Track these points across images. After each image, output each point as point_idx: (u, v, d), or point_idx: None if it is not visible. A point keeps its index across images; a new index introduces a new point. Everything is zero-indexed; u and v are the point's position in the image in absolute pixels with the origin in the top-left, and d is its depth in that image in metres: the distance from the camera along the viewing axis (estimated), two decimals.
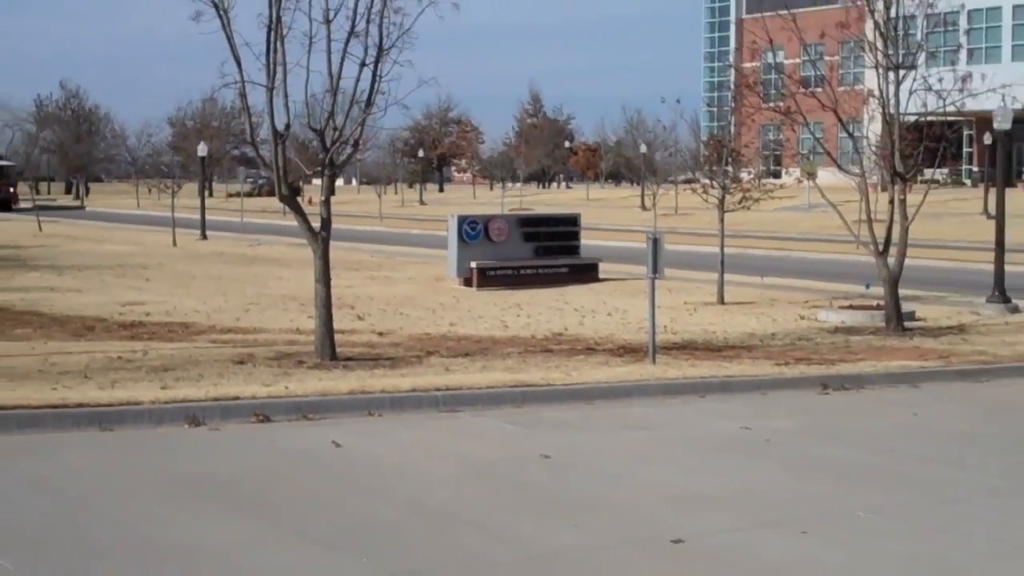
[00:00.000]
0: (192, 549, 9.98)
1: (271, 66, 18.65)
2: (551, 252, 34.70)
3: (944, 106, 24.95)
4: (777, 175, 63.37)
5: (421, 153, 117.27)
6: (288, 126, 19.42)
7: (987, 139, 55.50)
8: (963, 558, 10.11)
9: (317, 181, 20.52)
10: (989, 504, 11.93)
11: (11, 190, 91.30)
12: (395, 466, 13.04)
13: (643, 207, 78.28)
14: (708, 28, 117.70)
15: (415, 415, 15.52)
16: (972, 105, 25.70)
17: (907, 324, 24.44)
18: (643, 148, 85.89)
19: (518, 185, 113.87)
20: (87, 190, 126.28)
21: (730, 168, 31.67)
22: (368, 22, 18.75)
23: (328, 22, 18.60)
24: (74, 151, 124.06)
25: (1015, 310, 27.12)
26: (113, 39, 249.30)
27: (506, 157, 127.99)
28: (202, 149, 63.92)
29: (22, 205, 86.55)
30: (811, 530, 10.75)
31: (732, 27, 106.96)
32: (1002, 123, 27.71)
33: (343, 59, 18.88)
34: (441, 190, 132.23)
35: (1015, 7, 78.02)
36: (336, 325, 19.75)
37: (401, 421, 15.21)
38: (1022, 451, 14.48)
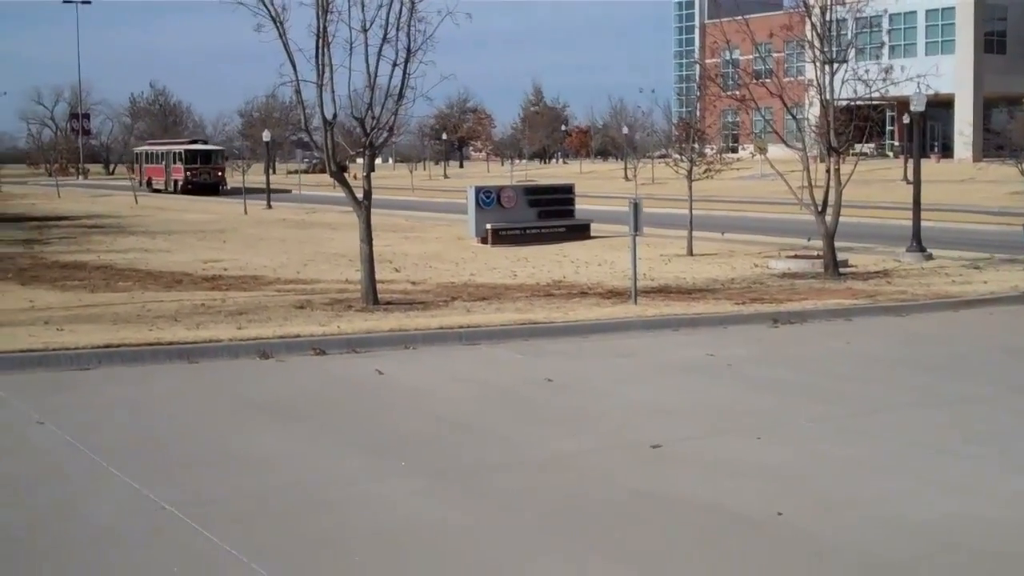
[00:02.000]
0: (263, 455, 10.05)
1: (320, 67, 18.65)
2: (551, 215, 34.62)
3: (870, 93, 24.88)
4: (735, 150, 63.18)
5: (444, 136, 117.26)
6: (335, 115, 19.37)
7: (906, 119, 55.15)
8: (886, 456, 10.15)
9: (360, 160, 20.45)
10: (908, 414, 11.96)
11: (220, 174, 76.58)
12: (427, 389, 13.09)
13: (626, 178, 77.94)
14: (677, 31, 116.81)
15: (443, 348, 15.55)
16: (893, 92, 25.62)
17: (842, 270, 24.39)
18: (625, 130, 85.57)
19: (524, 161, 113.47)
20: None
21: (696, 145, 31.52)
22: (398, 30, 18.76)
23: (365, 31, 18.62)
24: (163, 139, 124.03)
25: (929, 257, 27.04)
26: (192, 47, 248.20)
27: (514, 139, 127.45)
28: (266, 135, 63.77)
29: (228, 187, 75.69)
30: (764, 436, 10.79)
31: (697, 30, 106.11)
32: (917, 106, 27.57)
33: (378, 60, 18.88)
34: (461, 166, 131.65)
35: (928, 11, 77.38)
36: (377, 276, 19.78)
37: (431, 353, 15.24)
38: (934, 371, 14.47)
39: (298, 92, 19.26)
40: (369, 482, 9.34)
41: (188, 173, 74.14)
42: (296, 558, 7.61)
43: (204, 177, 74.86)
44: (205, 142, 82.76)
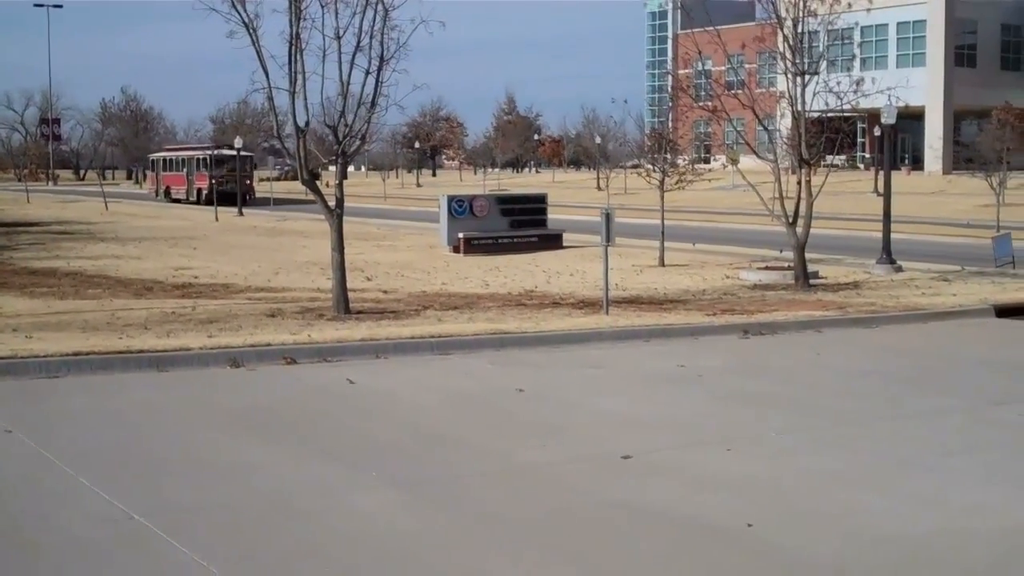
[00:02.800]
0: (234, 465, 10.02)
1: (293, 74, 18.64)
2: (524, 224, 34.63)
3: (841, 104, 25.00)
4: (707, 161, 63.35)
5: (417, 144, 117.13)
6: (307, 123, 19.37)
7: (876, 131, 55.52)
8: (854, 469, 10.20)
9: (333, 168, 20.43)
10: (875, 426, 12.03)
11: (248, 182, 68.20)
12: (398, 398, 13.08)
13: (598, 188, 78.13)
14: (650, 41, 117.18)
15: (414, 357, 15.53)
16: (864, 104, 25.74)
17: (812, 281, 24.51)
18: (598, 139, 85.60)
19: (496, 170, 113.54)
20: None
21: (668, 156, 31.64)
22: (371, 38, 18.78)
23: (338, 38, 18.62)
24: (133, 144, 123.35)
25: (899, 269, 27.20)
26: (164, 52, 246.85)
27: (486, 147, 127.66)
28: (238, 142, 63.65)
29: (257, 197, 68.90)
30: (734, 447, 10.83)
31: (669, 41, 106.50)
32: (888, 118, 27.74)
33: (351, 68, 18.89)
34: (434, 175, 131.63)
35: (899, 24, 77.93)
36: (349, 285, 19.75)
37: (403, 362, 15.23)
38: (904, 383, 14.56)
39: (270, 99, 19.26)
40: (341, 492, 9.32)
41: (213, 181, 62.72)
42: (267, 570, 7.59)
43: (231, 186, 64.20)
44: (230, 147, 69.68)
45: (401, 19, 18.79)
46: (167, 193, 73.79)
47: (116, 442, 10.87)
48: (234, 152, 66.40)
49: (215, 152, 69.51)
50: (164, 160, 77.45)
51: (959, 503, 9.18)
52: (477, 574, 7.62)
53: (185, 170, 72.61)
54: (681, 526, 8.51)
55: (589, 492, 9.35)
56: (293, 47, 18.50)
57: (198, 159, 70.92)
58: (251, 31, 18.35)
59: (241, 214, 53.74)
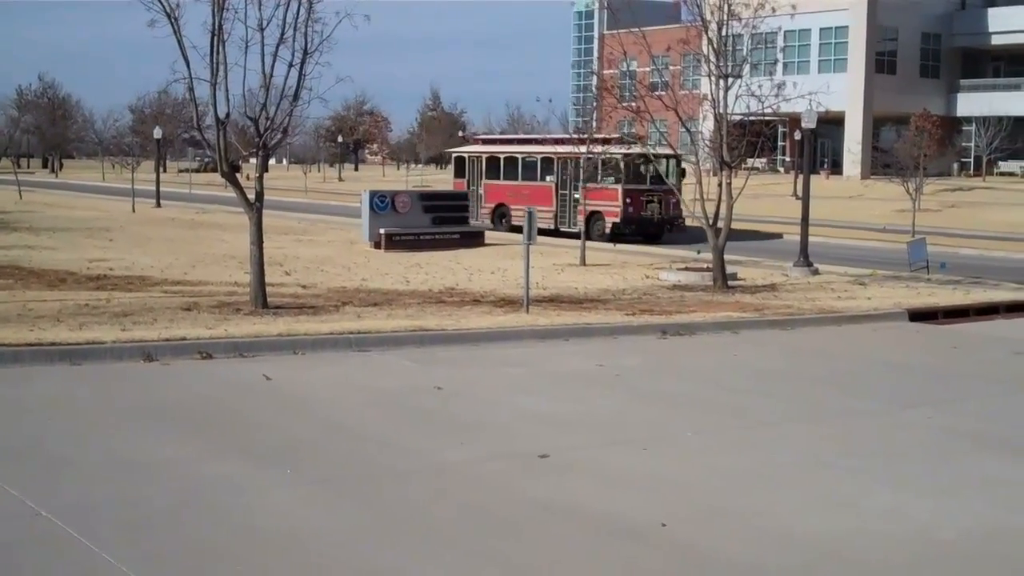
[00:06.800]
0: (146, 461, 9.90)
1: (214, 65, 18.42)
2: (446, 222, 34.59)
3: (763, 108, 25.30)
4: None
5: (340, 138, 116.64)
6: (228, 114, 19.15)
7: (797, 135, 56.20)
8: (771, 469, 10.34)
9: (254, 160, 20.26)
10: (792, 427, 12.20)
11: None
12: (315, 395, 13.01)
13: None
14: (576, 41, 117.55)
15: (332, 354, 15.45)
16: (785, 108, 26.02)
17: (730, 283, 24.77)
18: None
19: (420, 166, 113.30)
20: (61, 165, 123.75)
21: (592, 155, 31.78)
22: (295, 30, 18.61)
23: (262, 30, 18.44)
24: (50, 132, 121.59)
25: (815, 272, 27.59)
26: (84, 39, 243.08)
27: (410, 143, 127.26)
28: (157, 132, 62.73)
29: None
30: (650, 447, 10.92)
31: (595, 41, 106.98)
32: (809, 123, 28.08)
33: (274, 60, 18.70)
34: (356, 169, 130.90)
35: (822, 29, 78.90)
36: (268, 279, 19.60)
37: (321, 359, 15.15)
38: (819, 384, 14.78)
39: (191, 90, 18.99)
40: (256, 489, 9.25)
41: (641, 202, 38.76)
42: (178, 567, 7.52)
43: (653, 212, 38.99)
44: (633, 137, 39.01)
45: (326, 12, 18.70)
46: (502, 219, 42.21)
47: (25, 437, 10.69)
48: (663, 152, 37.57)
49: (630, 151, 37.55)
50: (503, 158, 43.26)
51: (872, 504, 9.34)
52: (395, 574, 7.61)
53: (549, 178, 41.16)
54: (597, 525, 8.56)
55: (507, 491, 9.38)
56: (215, 38, 18.30)
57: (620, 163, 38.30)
58: (173, 21, 18.13)
59: (159, 205, 53.06)
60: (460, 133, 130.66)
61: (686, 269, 26.91)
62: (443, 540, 8.18)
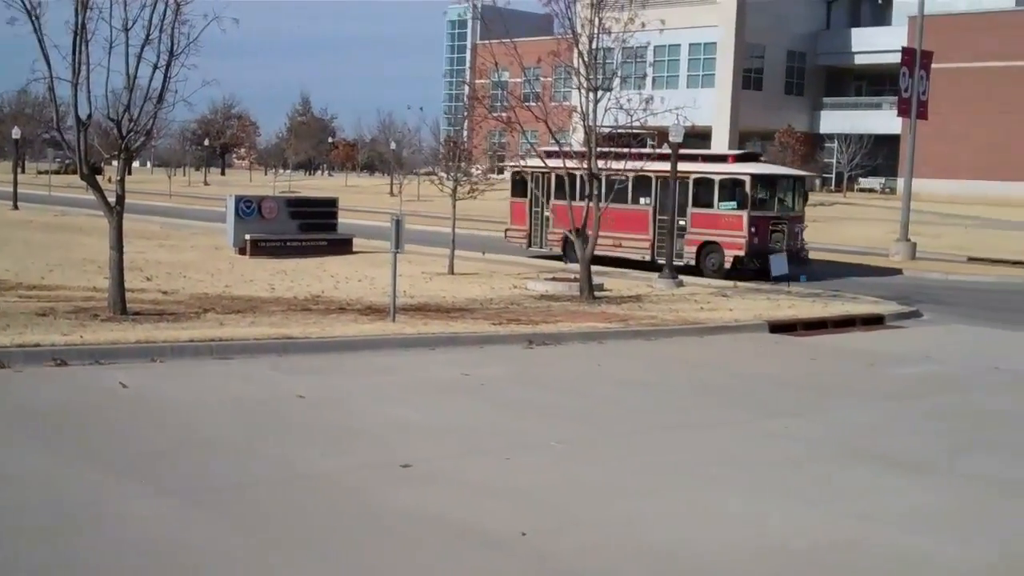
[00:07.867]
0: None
1: (76, 65, 18.04)
2: (313, 228, 34.38)
3: (632, 121, 25.68)
4: (501, 171, 64.02)
5: (207, 142, 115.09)
6: (90, 116, 18.79)
7: (665, 148, 57.08)
8: (633, 479, 10.50)
9: (116, 163, 19.88)
10: (653, 436, 12.40)
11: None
12: (174, 404, 12.80)
13: (391, 194, 78.02)
14: (449, 50, 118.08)
15: (193, 362, 15.23)
16: (653, 121, 26.45)
17: (597, 294, 25.05)
18: (393, 145, 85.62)
19: (288, 172, 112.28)
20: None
21: (462, 164, 31.88)
22: (161, 31, 18.34)
23: (127, 30, 18.12)
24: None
25: (680, 284, 28.08)
26: None
27: (279, 148, 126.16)
28: (16, 132, 61.23)
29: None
30: (513, 456, 11.00)
31: (468, 50, 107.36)
32: (676, 137, 28.53)
33: (139, 62, 18.39)
34: (223, 174, 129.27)
35: (691, 45, 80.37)
36: (127, 285, 19.24)
37: (181, 366, 14.91)
38: (680, 395, 15.05)
39: (51, 89, 18.58)
40: (111, 500, 9.07)
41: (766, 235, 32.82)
42: None
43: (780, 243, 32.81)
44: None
45: (193, 14, 18.47)
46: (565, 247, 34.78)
47: None
48: (790, 172, 36.57)
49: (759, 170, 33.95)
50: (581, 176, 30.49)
51: (733, 513, 9.55)
52: None
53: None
54: (458, 534, 8.60)
55: (369, 500, 9.36)
56: (78, 37, 17.92)
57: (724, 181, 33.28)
58: (33, 19, 17.72)
59: (16, 207, 51.61)
60: (330, 139, 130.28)
61: (553, 279, 27.13)
62: (302, 549, 8.12)
